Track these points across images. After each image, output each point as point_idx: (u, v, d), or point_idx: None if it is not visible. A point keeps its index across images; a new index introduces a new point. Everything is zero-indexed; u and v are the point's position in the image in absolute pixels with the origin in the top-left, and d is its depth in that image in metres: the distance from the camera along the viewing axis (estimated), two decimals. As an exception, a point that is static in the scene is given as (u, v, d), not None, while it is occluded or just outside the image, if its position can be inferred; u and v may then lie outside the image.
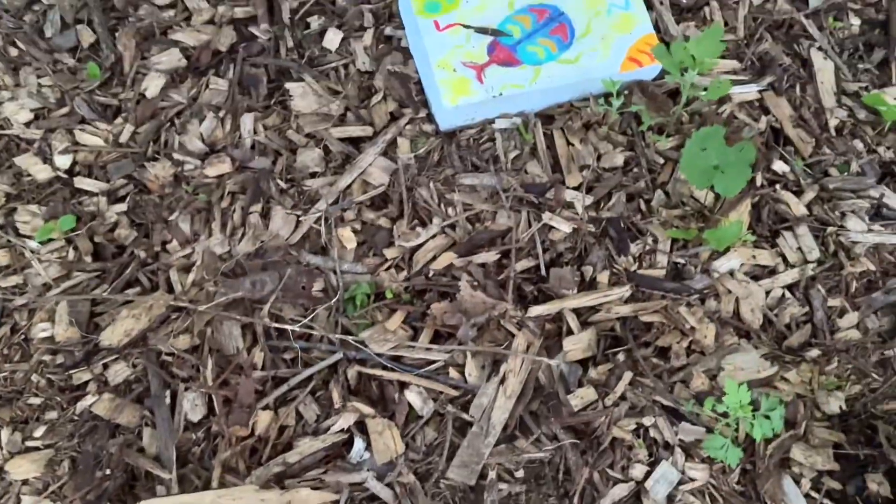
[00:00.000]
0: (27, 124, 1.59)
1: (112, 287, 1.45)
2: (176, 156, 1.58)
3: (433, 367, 1.43)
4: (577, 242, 1.53)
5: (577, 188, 1.58)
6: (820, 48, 1.77)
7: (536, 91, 1.61)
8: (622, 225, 1.55)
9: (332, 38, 1.73)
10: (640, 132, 1.63)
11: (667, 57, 1.49)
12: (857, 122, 1.69)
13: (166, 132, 1.61)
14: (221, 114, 1.63)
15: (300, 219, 1.54)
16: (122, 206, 1.53)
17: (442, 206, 1.56)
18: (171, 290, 1.47)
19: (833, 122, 1.68)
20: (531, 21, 1.66)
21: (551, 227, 1.54)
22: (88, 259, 1.48)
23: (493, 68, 1.61)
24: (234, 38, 1.71)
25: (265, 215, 1.55)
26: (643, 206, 1.58)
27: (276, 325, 1.41)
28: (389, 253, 1.52)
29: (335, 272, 1.50)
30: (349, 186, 1.58)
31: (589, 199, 1.56)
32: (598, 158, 1.61)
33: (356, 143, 1.64)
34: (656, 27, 1.75)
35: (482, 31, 1.64)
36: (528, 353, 1.43)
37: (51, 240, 1.49)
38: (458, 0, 1.66)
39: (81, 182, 1.55)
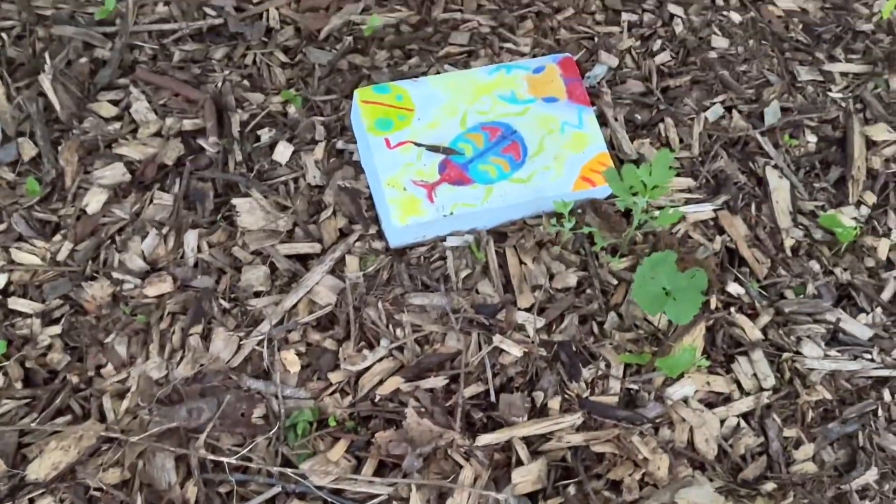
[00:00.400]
0: (-38, 242, 1.62)
1: (42, 416, 1.46)
2: (115, 274, 1.61)
3: (376, 500, 1.43)
4: (528, 367, 1.56)
5: (528, 309, 1.62)
6: (775, 166, 1.84)
7: (488, 210, 1.66)
8: (574, 349, 1.58)
9: (283, 152, 1.79)
10: (594, 252, 1.68)
11: (617, 181, 1.55)
12: (813, 243, 1.76)
13: (106, 250, 1.64)
14: (165, 230, 1.66)
15: (242, 341, 1.56)
16: (57, 329, 1.55)
17: (390, 327, 1.59)
18: (103, 418, 1.48)
19: (789, 243, 1.74)
20: (483, 139, 1.72)
21: (502, 351, 1.57)
22: (19, 385, 1.49)
23: (445, 187, 1.66)
24: (182, 151, 1.76)
25: (206, 337, 1.57)
26: (596, 329, 1.62)
27: (212, 456, 1.41)
28: (334, 377, 1.54)
29: (277, 397, 1.52)
30: (295, 306, 1.61)
31: (541, 322, 1.60)
32: (551, 278, 1.66)
33: (304, 260, 1.67)
34: (611, 145, 1.82)
35: (433, 149, 1.70)
36: (476, 487, 1.44)
37: (-20, 365, 1.50)
38: (409, 117, 1.72)
39: (15, 303, 1.57)
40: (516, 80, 1.80)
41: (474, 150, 1.71)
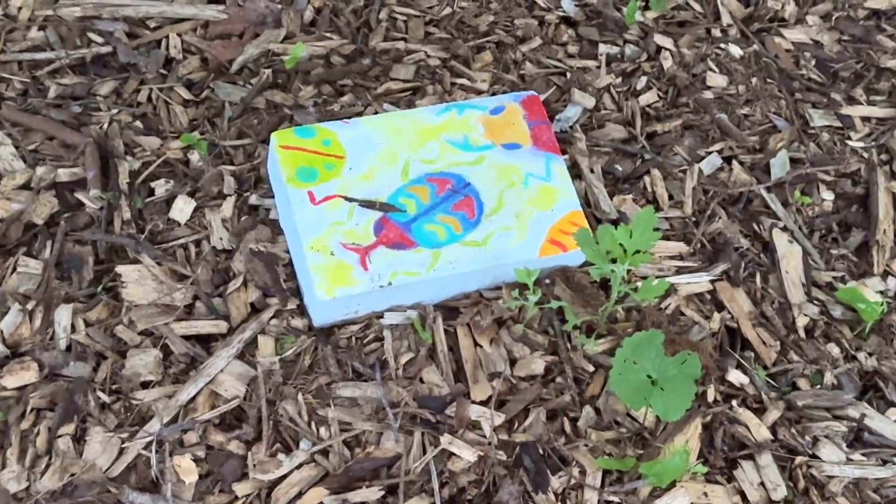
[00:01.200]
0: None
1: None
2: (-34, 360, 1.59)
3: None
4: (484, 474, 1.56)
5: (485, 403, 1.62)
6: (785, 228, 1.88)
7: (435, 280, 1.67)
8: (541, 452, 1.58)
9: (182, 208, 1.80)
10: (565, 332, 1.70)
11: (590, 245, 1.58)
12: (831, 322, 1.79)
13: (-45, 331, 1.63)
14: (30, 305, 1.66)
15: (125, 443, 1.55)
16: None
17: (313, 425, 1.59)
18: (-56, 542, 1.45)
19: (802, 321, 1.77)
20: (429, 193, 1.74)
21: (451, 455, 1.57)
22: None
23: (382, 251, 1.67)
24: (56, 208, 1.76)
25: (79, 439, 1.55)
26: (568, 427, 1.62)
27: (82, 590, 1.39)
28: (241, 489, 1.53)
29: (168, 515, 1.50)
30: (193, 400, 1.60)
31: (500, 418, 1.60)
32: (513, 364, 1.67)
33: (206, 342, 1.67)
34: (585, 201, 1.85)
35: (368, 205, 1.71)
36: None
37: None
38: (339, 166, 1.74)
39: None
40: (470, 122, 1.83)
41: (418, 206, 1.73)
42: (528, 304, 1.66)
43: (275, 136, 1.76)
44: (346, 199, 1.71)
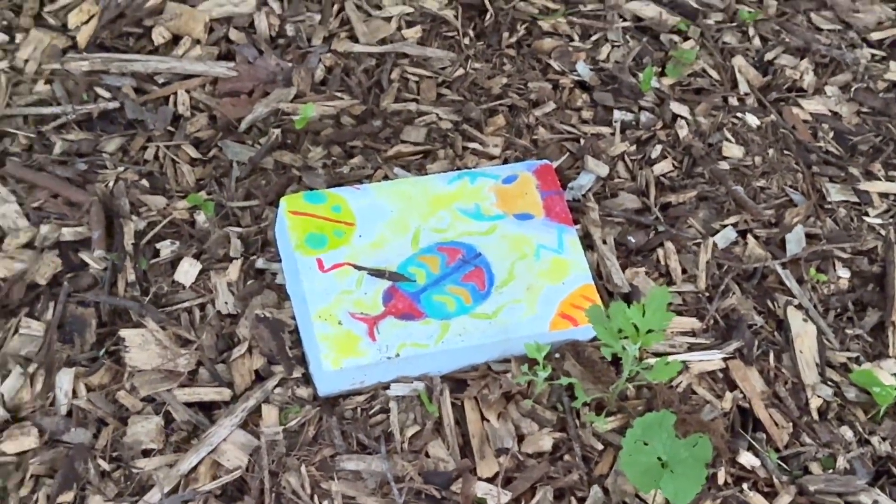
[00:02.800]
0: None
1: None
2: (-35, 424, 1.63)
3: None
4: (490, 555, 1.60)
5: (491, 480, 1.65)
6: (799, 306, 1.93)
7: (444, 352, 1.72)
8: (548, 532, 1.63)
9: (188, 271, 1.84)
10: (574, 409, 1.74)
11: (602, 323, 1.63)
12: (845, 404, 1.83)
13: (-46, 394, 1.67)
14: (32, 368, 1.70)
15: (125, 513, 1.58)
16: None
17: (316, 498, 1.62)
18: None
19: (815, 403, 1.82)
20: (440, 263, 1.80)
21: (457, 533, 1.61)
22: None
23: (390, 321, 1.72)
24: (59, 268, 1.81)
25: (78, 508, 1.58)
26: (576, 508, 1.66)
27: None
28: (242, 562, 1.57)
29: (167, 588, 1.53)
30: (194, 469, 1.63)
31: (506, 496, 1.63)
32: (521, 440, 1.70)
33: (208, 409, 1.71)
34: (598, 274, 1.91)
35: (377, 273, 1.77)
36: None
37: None
38: (348, 234, 1.80)
39: None
40: (482, 191, 1.89)
41: (428, 276, 1.78)
42: (538, 380, 1.70)
43: (284, 201, 1.81)
44: (356, 267, 1.76)
